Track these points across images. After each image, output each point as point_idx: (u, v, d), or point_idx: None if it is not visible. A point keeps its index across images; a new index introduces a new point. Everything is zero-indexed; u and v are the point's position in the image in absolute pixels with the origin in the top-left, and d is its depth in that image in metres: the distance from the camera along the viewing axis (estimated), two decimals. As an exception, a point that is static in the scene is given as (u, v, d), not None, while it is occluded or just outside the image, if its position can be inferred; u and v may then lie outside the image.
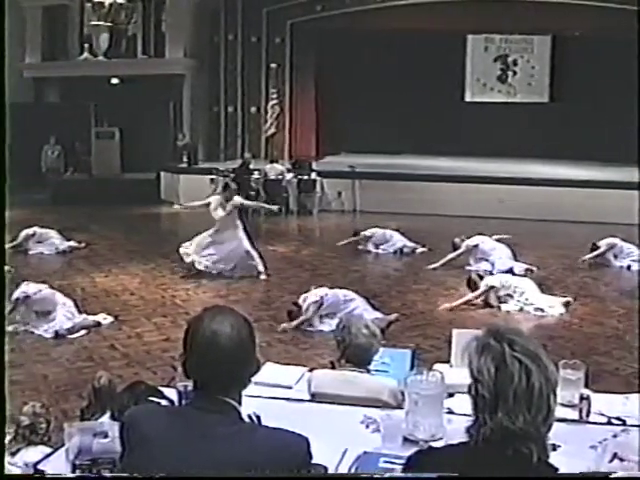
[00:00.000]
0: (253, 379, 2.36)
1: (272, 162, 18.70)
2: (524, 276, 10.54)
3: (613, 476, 2.65)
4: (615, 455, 2.77)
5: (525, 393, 1.99)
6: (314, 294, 8.84)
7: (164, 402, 3.40)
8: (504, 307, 9.53)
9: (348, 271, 11.76)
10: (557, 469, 2.07)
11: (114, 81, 21.83)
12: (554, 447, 2.72)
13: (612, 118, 19.81)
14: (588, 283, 11.04)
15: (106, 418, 3.51)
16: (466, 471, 2.03)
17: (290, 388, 4.05)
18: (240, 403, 2.26)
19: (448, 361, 4.21)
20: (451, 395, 3.45)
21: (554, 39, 21.74)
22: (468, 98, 22.80)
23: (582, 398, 3.55)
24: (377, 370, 4.11)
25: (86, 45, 21.62)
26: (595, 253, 11.96)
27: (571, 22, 19.27)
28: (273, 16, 21.49)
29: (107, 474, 3.00)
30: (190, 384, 2.44)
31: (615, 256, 12.03)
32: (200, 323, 2.24)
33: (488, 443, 2.03)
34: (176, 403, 3.36)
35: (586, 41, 20.16)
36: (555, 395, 2.06)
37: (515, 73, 22.48)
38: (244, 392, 2.32)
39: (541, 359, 2.04)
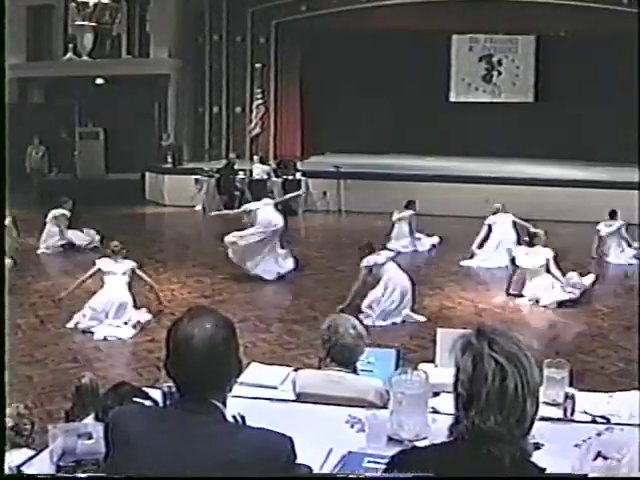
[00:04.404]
0: (238, 379, 2.34)
1: (258, 162, 18.67)
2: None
3: (592, 475, 2.66)
4: (599, 453, 2.78)
5: (497, 393, 1.96)
6: None
7: (148, 403, 3.38)
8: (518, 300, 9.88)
9: (334, 271, 11.75)
10: (543, 469, 2.06)
11: (98, 81, 21.71)
12: (538, 446, 2.73)
13: (596, 117, 19.87)
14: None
15: (90, 419, 3.49)
16: (448, 470, 2.02)
17: (275, 388, 4.04)
18: (225, 404, 2.25)
19: (433, 360, 4.22)
20: (436, 394, 3.45)
21: (538, 39, 21.77)
22: (453, 98, 22.79)
23: (567, 397, 3.55)
24: (362, 370, 4.10)
25: (70, 45, 21.52)
26: (612, 228, 12.62)
27: (555, 22, 19.32)
28: (258, 16, 21.44)
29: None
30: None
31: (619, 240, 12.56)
32: (177, 326, 2.24)
33: (466, 442, 2.02)
34: (160, 404, 3.35)
35: (570, 41, 20.22)
36: (534, 399, 2.01)
37: (500, 73, 22.50)
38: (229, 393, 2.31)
39: (520, 361, 2.00)
